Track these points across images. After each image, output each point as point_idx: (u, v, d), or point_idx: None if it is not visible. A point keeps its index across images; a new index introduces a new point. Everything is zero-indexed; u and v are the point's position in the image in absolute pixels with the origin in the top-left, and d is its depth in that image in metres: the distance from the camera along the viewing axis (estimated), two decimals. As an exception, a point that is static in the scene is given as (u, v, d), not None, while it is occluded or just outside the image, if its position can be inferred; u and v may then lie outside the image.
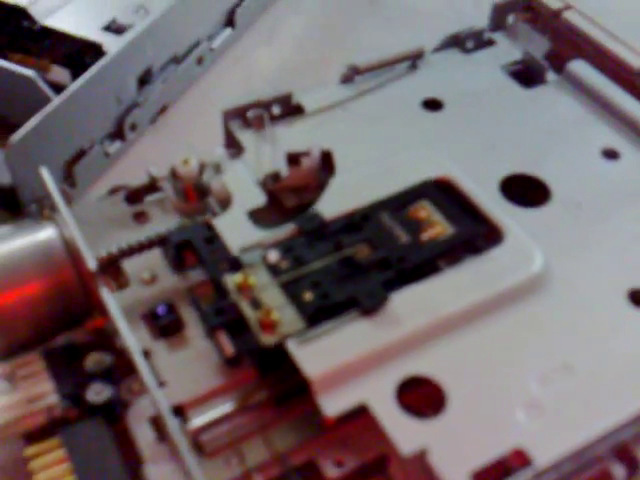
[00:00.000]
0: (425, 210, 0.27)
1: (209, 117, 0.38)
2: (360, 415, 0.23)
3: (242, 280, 0.25)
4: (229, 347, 0.24)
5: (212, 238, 0.27)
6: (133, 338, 0.22)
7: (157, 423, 0.23)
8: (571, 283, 0.26)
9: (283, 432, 0.23)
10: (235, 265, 0.26)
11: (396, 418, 0.22)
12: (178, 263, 0.27)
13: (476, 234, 0.27)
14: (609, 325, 0.25)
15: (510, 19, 0.37)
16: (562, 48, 0.36)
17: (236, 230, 0.27)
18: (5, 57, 0.33)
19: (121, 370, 0.24)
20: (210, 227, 0.28)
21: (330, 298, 0.24)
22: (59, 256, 0.24)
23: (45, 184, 0.26)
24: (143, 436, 0.23)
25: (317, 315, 0.24)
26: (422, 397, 0.22)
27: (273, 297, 0.24)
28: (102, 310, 0.25)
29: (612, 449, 0.23)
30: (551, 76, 0.34)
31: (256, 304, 0.24)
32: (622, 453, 0.24)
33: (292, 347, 0.23)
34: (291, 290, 0.25)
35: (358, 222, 0.27)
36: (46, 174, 0.26)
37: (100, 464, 0.22)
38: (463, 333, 0.24)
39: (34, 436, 0.24)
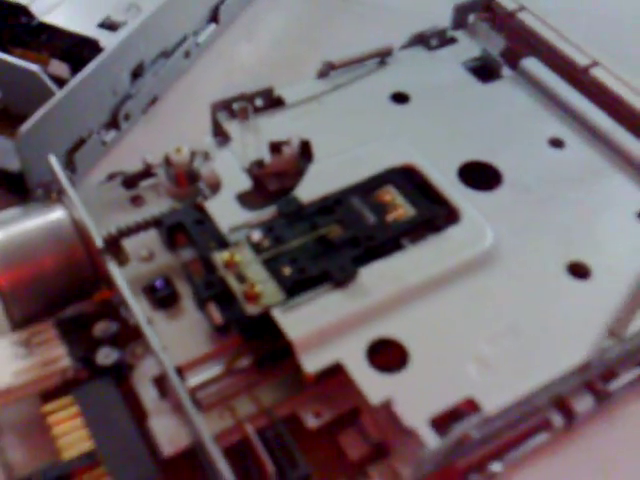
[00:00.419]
0: (390, 194, 0.30)
1: (195, 107, 0.40)
2: (335, 374, 0.25)
3: (229, 257, 0.27)
4: (218, 316, 0.26)
5: (201, 220, 0.29)
6: (139, 307, 0.25)
7: (159, 382, 0.26)
8: (518, 257, 0.28)
9: (268, 390, 0.26)
10: (222, 244, 0.28)
11: (366, 374, 0.24)
12: (171, 243, 0.29)
13: (434, 215, 0.29)
14: (550, 293, 0.27)
15: (470, 18, 0.39)
16: (517, 46, 0.38)
17: (225, 212, 0.29)
18: (6, 51, 0.35)
19: (125, 337, 0.27)
20: (199, 210, 0.29)
21: (306, 272, 0.27)
22: (69, 235, 0.27)
23: (54, 171, 0.28)
24: (147, 394, 0.25)
25: (295, 288, 0.26)
26: (389, 357, 0.25)
27: (256, 272, 0.27)
28: (108, 283, 0.27)
29: (551, 401, 0.26)
30: (506, 72, 0.37)
31: (241, 278, 0.27)
32: (560, 405, 0.27)
33: (276, 314, 0.25)
34: (272, 266, 0.27)
35: (331, 205, 0.29)
36: (54, 161, 0.28)
37: (110, 418, 0.25)
38: (424, 301, 0.26)
39: (50, 395, 0.26)
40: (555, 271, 0.28)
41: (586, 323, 0.26)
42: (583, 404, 0.27)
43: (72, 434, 0.25)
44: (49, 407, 0.26)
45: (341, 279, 0.26)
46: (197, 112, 0.39)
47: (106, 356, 0.26)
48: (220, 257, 0.27)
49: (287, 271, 0.27)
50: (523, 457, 0.27)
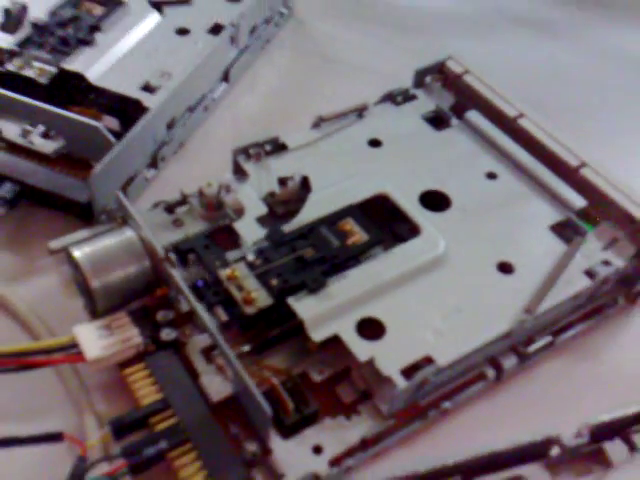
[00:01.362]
0: (349, 224, 0.37)
1: (212, 150, 0.47)
2: (331, 344, 0.33)
3: (230, 273, 0.34)
4: (224, 316, 0.33)
5: (208, 245, 0.36)
6: (194, 296, 0.33)
7: (205, 353, 0.33)
8: (462, 259, 0.36)
9: (280, 359, 0.34)
10: (224, 263, 0.35)
11: (355, 341, 0.32)
12: (184, 262, 0.36)
13: (381, 240, 0.36)
14: (484, 283, 0.35)
15: (427, 79, 0.46)
16: (463, 101, 0.45)
17: (249, 230, 0.36)
18: (66, 109, 0.41)
19: (177, 322, 0.35)
20: (207, 237, 0.36)
21: (289, 282, 0.33)
22: (138, 248, 0.34)
23: (123, 203, 0.36)
24: (197, 360, 0.33)
25: (281, 294, 0.33)
26: (371, 330, 0.33)
27: (251, 283, 0.33)
28: (166, 283, 0.35)
29: (485, 359, 0.34)
30: (454, 122, 0.43)
31: (240, 288, 0.33)
32: (492, 362, 0.34)
33: (291, 302, 0.33)
34: (262, 278, 0.33)
35: (305, 233, 0.36)
36: (122, 196, 0.36)
37: (173, 377, 0.32)
38: (395, 291, 0.34)
39: (127, 364, 0.33)
40: (488, 268, 0.35)
41: (510, 304, 0.34)
42: (509, 362, 0.35)
43: (146, 389, 0.32)
44: (128, 371, 0.33)
45: (314, 287, 0.34)
46: (213, 153, 0.48)
47: (167, 334, 0.33)
48: (224, 273, 0.34)
49: (274, 282, 0.33)
50: (466, 400, 0.34)
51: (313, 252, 0.35)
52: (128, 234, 0.35)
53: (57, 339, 0.33)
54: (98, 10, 0.49)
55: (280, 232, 0.37)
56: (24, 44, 0.47)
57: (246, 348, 0.34)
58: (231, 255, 0.36)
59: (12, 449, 0.30)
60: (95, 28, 0.47)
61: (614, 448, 0.29)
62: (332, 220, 0.37)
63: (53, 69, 0.44)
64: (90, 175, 0.38)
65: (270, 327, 0.34)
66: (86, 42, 0.46)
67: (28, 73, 0.44)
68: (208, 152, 0.48)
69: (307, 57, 0.57)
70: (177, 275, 0.33)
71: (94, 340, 0.32)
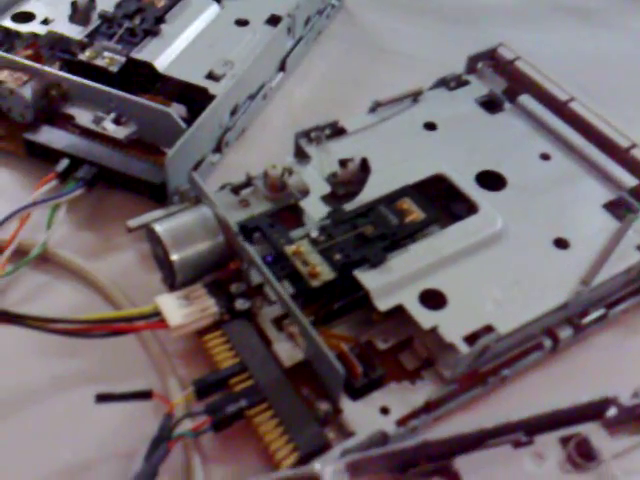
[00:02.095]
0: (406, 203, 0.38)
1: (270, 135, 0.50)
2: (393, 315, 0.35)
3: (295, 248, 0.36)
4: (290, 289, 0.35)
5: (272, 223, 0.37)
6: (268, 269, 0.36)
7: (276, 322, 0.36)
8: (519, 235, 0.37)
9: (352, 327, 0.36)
10: (288, 240, 0.37)
11: (419, 310, 0.34)
12: (250, 240, 0.37)
13: (436, 219, 0.38)
14: (541, 257, 0.37)
15: (479, 65, 0.48)
16: (515, 86, 0.46)
17: (315, 208, 0.38)
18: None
19: (249, 293, 0.37)
20: (271, 216, 0.38)
21: (350, 258, 0.35)
22: (213, 224, 0.36)
23: (198, 183, 0.38)
24: (269, 329, 0.35)
25: (343, 268, 0.35)
26: (434, 301, 0.35)
27: (315, 258, 0.35)
28: (238, 257, 0.37)
29: (542, 329, 0.36)
30: (507, 105, 0.45)
31: (305, 263, 0.35)
32: (549, 333, 0.36)
33: (357, 274, 0.35)
34: (325, 254, 0.35)
35: (365, 212, 0.37)
36: (198, 177, 0.39)
37: (248, 343, 0.34)
38: (457, 265, 0.36)
39: (205, 332, 0.35)
40: (545, 244, 0.37)
41: (566, 277, 0.35)
42: (564, 333, 0.36)
43: (223, 354, 0.34)
44: (207, 337, 0.35)
45: (375, 262, 0.35)
46: (272, 139, 0.50)
47: (242, 304, 0.35)
48: (289, 249, 0.36)
49: (337, 257, 0.35)
50: (523, 368, 0.36)
51: (373, 229, 0.37)
52: (204, 211, 0.37)
53: (140, 308, 0.35)
54: (162, 2, 0.52)
55: (342, 210, 0.39)
56: (93, 35, 0.49)
57: (310, 319, 0.35)
58: (294, 233, 0.38)
59: (102, 408, 0.32)
60: (160, 19, 0.50)
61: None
62: (390, 199, 0.39)
63: (122, 58, 0.47)
64: (166, 158, 0.40)
65: (332, 300, 0.36)
66: (152, 33, 0.49)
67: (100, 63, 0.47)
68: (267, 138, 0.50)
69: (357, 47, 0.58)
70: (251, 249, 0.35)
71: (175, 309, 0.35)
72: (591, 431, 0.29)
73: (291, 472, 0.28)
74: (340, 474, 0.27)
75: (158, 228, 0.36)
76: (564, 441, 0.29)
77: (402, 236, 0.37)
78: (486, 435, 0.29)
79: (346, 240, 0.37)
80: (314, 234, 0.37)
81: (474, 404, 0.35)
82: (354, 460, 0.28)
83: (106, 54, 0.47)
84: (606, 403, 0.30)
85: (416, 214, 0.38)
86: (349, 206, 0.39)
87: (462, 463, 0.29)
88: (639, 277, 0.38)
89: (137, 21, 0.50)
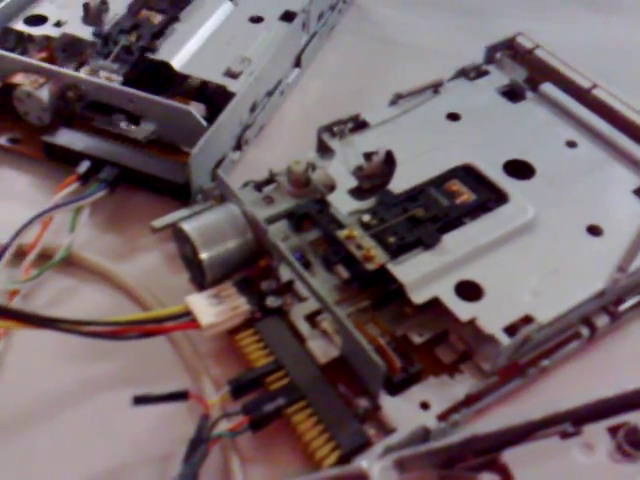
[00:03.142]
0: (456, 185, 0.38)
1: (288, 131, 0.49)
2: (427, 309, 0.35)
3: (348, 233, 0.35)
4: (345, 273, 0.36)
5: (321, 210, 0.38)
6: (299, 264, 0.35)
7: (309, 318, 0.35)
8: (551, 224, 0.37)
9: (386, 322, 0.36)
10: (339, 225, 0.37)
11: (456, 303, 0.33)
12: (298, 228, 0.38)
13: (489, 198, 0.38)
14: (576, 246, 0.36)
15: (498, 55, 0.47)
16: (535, 75, 0.46)
17: (343, 201, 0.38)
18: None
19: (279, 291, 0.36)
20: (319, 202, 0.38)
21: (405, 240, 0.35)
22: (242, 222, 0.35)
23: (224, 182, 0.37)
24: (302, 326, 0.34)
25: (397, 251, 0.35)
26: (470, 292, 0.34)
27: (368, 242, 0.35)
28: (268, 254, 0.36)
29: (580, 318, 0.35)
30: (529, 94, 0.44)
31: (359, 247, 0.35)
32: (586, 321, 0.35)
33: (390, 267, 0.34)
34: (378, 237, 0.35)
35: (416, 194, 0.37)
36: (222, 175, 0.38)
37: (281, 341, 0.34)
38: (491, 255, 0.35)
39: (236, 330, 0.34)
40: (578, 231, 0.37)
41: (602, 264, 0.35)
42: (601, 321, 0.35)
43: (257, 352, 0.34)
44: (239, 336, 0.34)
45: (430, 243, 0.36)
46: (290, 135, 0.49)
47: (273, 301, 0.35)
48: (342, 233, 0.36)
49: (391, 239, 0.35)
50: (563, 358, 0.35)
51: (424, 212, 0.37)
52: (232, 209, 0.36)
53: (170, 308, 0.34)
54: (158, 18, 0.50)
55: (391, 194, 0.38)
56: (107, 37, 0.48)
57: (365, 304, 0.35)
58: (344, 218, 0.38)
59: (135, 411, 0.31)
60: (156, 36, 0.48)
61: None
62: (439, 182, 0.39)
63: (119, 78, 0.45)
64: (190, 156, 0.39)
65: (386, 284, 0.35)
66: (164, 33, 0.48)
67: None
68: (285, 134, 0.49)
69: (370, 41, 0.58)
70: (282, 245, 0.34)
71: (206, 308, 0.34)
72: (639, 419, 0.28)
73: (337, 470, 0.27)
74: (388, 471, 0.26)
75: (187, 227, 0.35)
76: (613, 430, 0.28)
77: (455, 217, 0.37)
78: (533, 427, 0.28)
79: (398, 223, 0.36)
80: (366, 218, 0.37)
81: (514, 396, 0.34)
82: (401, 457, 0.27)
83: (102, 73, 0.46)
84: (654, 390, 0.29)
85: (467, 195, 0.38)
86: (397, 189, 0.39)
87: (510, 456, 0.28)
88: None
89: (133, 38, 0.48)
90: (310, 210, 0.38)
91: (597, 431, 0.29)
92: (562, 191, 0.39)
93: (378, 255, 0.35)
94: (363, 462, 0.26)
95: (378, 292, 0.36)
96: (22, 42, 0.49)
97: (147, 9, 0.50)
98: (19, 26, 0.49)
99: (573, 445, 0.28)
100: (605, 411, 0.29)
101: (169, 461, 0.31)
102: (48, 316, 0.30)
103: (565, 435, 0.28)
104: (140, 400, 0.30)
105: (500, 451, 0.28)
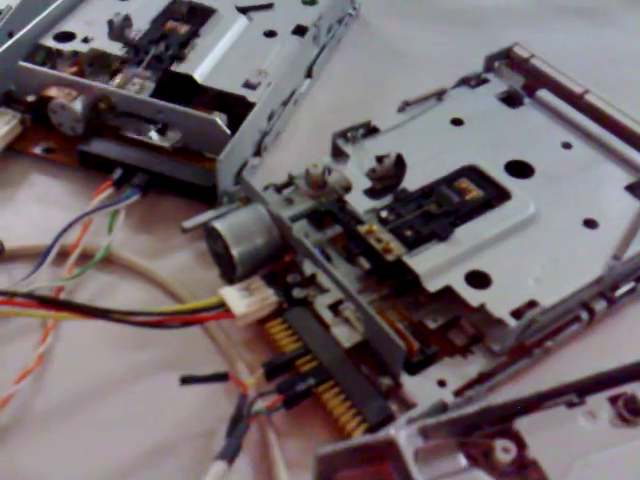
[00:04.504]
0: (465, 183, 0.41)
1: (302, 138, 0.52)
2: (439, 297, 0.37)
3: (368, 228, 0.38)
4: (366, 264, 0.37)
5: (342, 208, 0.40)
6: (323, 258, 0.38)
7: (332, 307, 0.37)
8: (551, 218, 0.39)
9: (403, 309, 0.38)
10: (358, 221, 0.39)
11: (466, 290, 0.36)
12: (320, 225, 0.41)
13: (494, 196, 0.40)
14: (574, 237, 0.39)
15: (497, 64, 0.50)
16: (532, 82, 0.48)
17: (359, 201, 0.40)
18: None
19: (304, 283, 0.38)
20: (339, 201, 0.41)
21: (421, 233, 0.38)
22: (268, 221, 0.38)
23: (250, 185, 0.40)
24: (325, 314, 0.37)
25: (414, 243, 0.37)
26: (478, 281, 0.37)
27: (386, 236, 0.38)
28: (293, 249, 0.39)
29: (580, 303, 0.38)
30: (526, 100, 0.47)
31: (378, 240, 0.37)
32: (585, 306, 0.38)
33: (406, 259, 0.37)
34: (396, 231, 0.38)
35: (429, 192, 0.40)
36: (248, 178, 0.41)
37: (308, 328, 0.36)
38: (497, 247, 0.38)
39: (265, 320, 0.37)
40: (575, 225, 0.39)
41: (598, 254, 0.38)
42: (599, 306, 0.38)
43: (287, 339, 0.36)
44: (269, 325, 0.37)
45: (444, 236, 0.38)
46: (304, 141, 0.52)
47: (299, 292, 0.37)
48: (363, 228, 0.38)
49: (408, 233, 0.37)
50: (565, 339, 0.38)
51: (437, 207, 0.40)
52: (259, 209, 0.39)
53: (206, 300, 0.37)
54: (184, 28, 0.53)
55: (407, 191, 0.41)
56: (131, 52, 0.51)
57: (384, 292, 0.38)
58: (365, 215, 0.40)
59: (178, 393, 0.34)
60: (184, 44, 0.51)
61: None
62: (449, 180, 0.41)
63: (152, 84, 0.48)
64: (217, 162, 0.42)
65: (405, 274, 0.38)
66: (179, 57, 0.50)
67: (130, 89, 0.48)
68: (299, 140, 0.52)
69: (374, 52, 0.60)
70: (307, 241, 0.37)
71: (238, 300, 0.36)
72: (637, 389, 0.31)
73: (368, 438, 0.29)
74: (413, 438, 0.29)
75: (219, 226, 0.38)
76: (613, 400, 0.31)
77: (465, 211, 0.40)
78: (542, 397, 0.31)
79: (414, 218, 0.39)
80: (384, 214, 0.39)
81: (522, 374, 0.37)
82: (425, 425, 0.30)
83: (136, 80, 0.49)
84: (649, 363, 0.32)
85: (475, 192, 0.41)
86: (411, 187, 0.41)
87: (522, 424, 0.30)
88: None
89: (162, 47, 0.51)
90: (332, 208, 0.41)
91: (599, 401, 0.31)
92: (560, 188, 0.41)
93: (396, 247, 0.37)
94: (391, 429, 0.29)
95: (395, 283, 0.39)
96: (51, 58, 0.52)
97: (172, 21, 0.53)
98: (50, 42, 0.51)
99: (578, 413, 0.31)
100: (606, 383, 0.32)
101: (212, 437, 0.34)
102: (102, 307, 0.33)
103: (571, 405, 0.31)
104: (186, 380, 0.33)
105: (513, 420, 0.31)
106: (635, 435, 0.30)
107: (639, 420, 0.31)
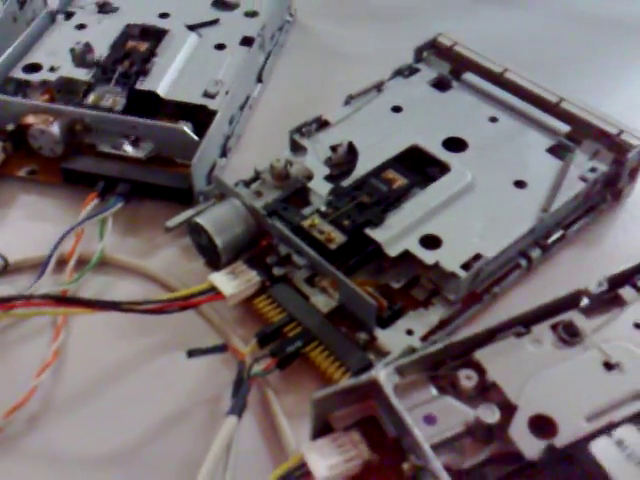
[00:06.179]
0: (391, 173, 0.44)
1: (260, 138, 0.55)
2: (399, 262, 0.42)
3: (311, 222, 0.41)
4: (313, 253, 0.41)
5: (286, 207, 0.43)
6: (299, 239, 0.42)
7: (308, 280, 0.41)
8: (486, 184, 0.44)
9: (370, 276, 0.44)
10: (302, 217, 0.43)
11: (421, 251, 0.40)
12: None
13: (417, 182, 0.44)
14: (507, 197, 0.43)
15: (425, 54, 0.54)
16: (457, 67, 0.53)
17: (320, 187, 0.44)
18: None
19: (281, 262, 0.42)
20: (282, 201, 0.44)
21: (357, 222, 0.41)
22: (244, 211, 0.42)
23: (224, 184, 0.44)
24: (303, 287, 0.41)
25: (353, 231, 0.41)
26: (431, 243, 0.42)
27: (327, 227, 0.41)
28: (268, 234, 0.43)
29: (518, 253, 0.43)
30: (455, 84, 0.52)
31: (320, 232, 0.41)
32: (524, 254, 0.43)
33: (369, 232, 0.41)
34: (335, 222, 0.41)
35: (360, 185, 0.43)
36: (221, 177, 0.45)
37: (291, 300, 0.40)
38: (443, 212, 0.42)
39: (252, 297, 0.41)
40: (507, 187, 0.44)
41: (529, 209, 0.42)
42: (535, 253, 0.43)
43: (273, 311, 0.40)
44: (257, 300, 0.40)
45: (377, 222, 0.41)
46: (261, 140, 0.56)
47: (278, 270, 0.41)
48: (306, 223, 0.42)
49: (346, 223, 0.41)
50: (508, 284, 0.43)
51: (369, 198, 0.44)
52: (234, 202, 0.43)
53: (198, 286, 0.41)
54: (144, 46, 0.57)
55: (341, 187, 0.45)
56: (96, 76, 0.54)
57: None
58: (305, 211, 0.44)
59: (183, 367, 0.38)
60: (146, 60, 0.55)
61: (626, 291, 0.38)
62: (377, 172, 0.46)
63: (123, 99, 0.52)
64: (191, 166, 0.46)
65: (348, 258, 0.42)
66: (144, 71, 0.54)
67: (105, 104, 0.52)
68: (258, 140, 0.56)
69: (316, 54, 0.64)
70: (280, 225, 0.42)
71: (226, 283, 0.41)
72: (572, 316, 0.36)
73: (353, 380, 0.34)
74: (391, 376, 0.34)
75: (202, 220, 0.42)
76: (554, 327, 0.36)
77: (393, 199, 0.44)
78: (494, 331, 0.36)
79: (350, 209, 0.43)
80: (323, 208, 0.43)
81: (475, 318, 0.42)
82: (400, 365, 0.34)
83: (108, 96, 0.52)
84: (579, 294, 0.37)
85: (400, 181, 0.45)
86: (345, 182, 0.45)
87: (480, 355, 0.35)
88: (584, 202, 0.46)
89: (127, 65, 0.55)
90: (276, 208, 0.44)
91: (542, 329, 0.36)
92: (491, 157, 0.46)
93: (337, 237, 0.41)
94: (372, 371, 0.34)
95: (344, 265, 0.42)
96: (22, 88, 0.55)
97: (132, 40, 0.56)
98: (19, 74, 0.54)
99: (525, 341, 0.36)
100: (546, 313, 0.37)
101: (218, 401, 0.38)
102: (111, 300, 0.37)
103: (519, 334, 0.36)
104: (192, 353, 0.37)
105: (472, 352, 0.36)
106: (574, 353, 0.35)
107: (576, 341, 0.36)
